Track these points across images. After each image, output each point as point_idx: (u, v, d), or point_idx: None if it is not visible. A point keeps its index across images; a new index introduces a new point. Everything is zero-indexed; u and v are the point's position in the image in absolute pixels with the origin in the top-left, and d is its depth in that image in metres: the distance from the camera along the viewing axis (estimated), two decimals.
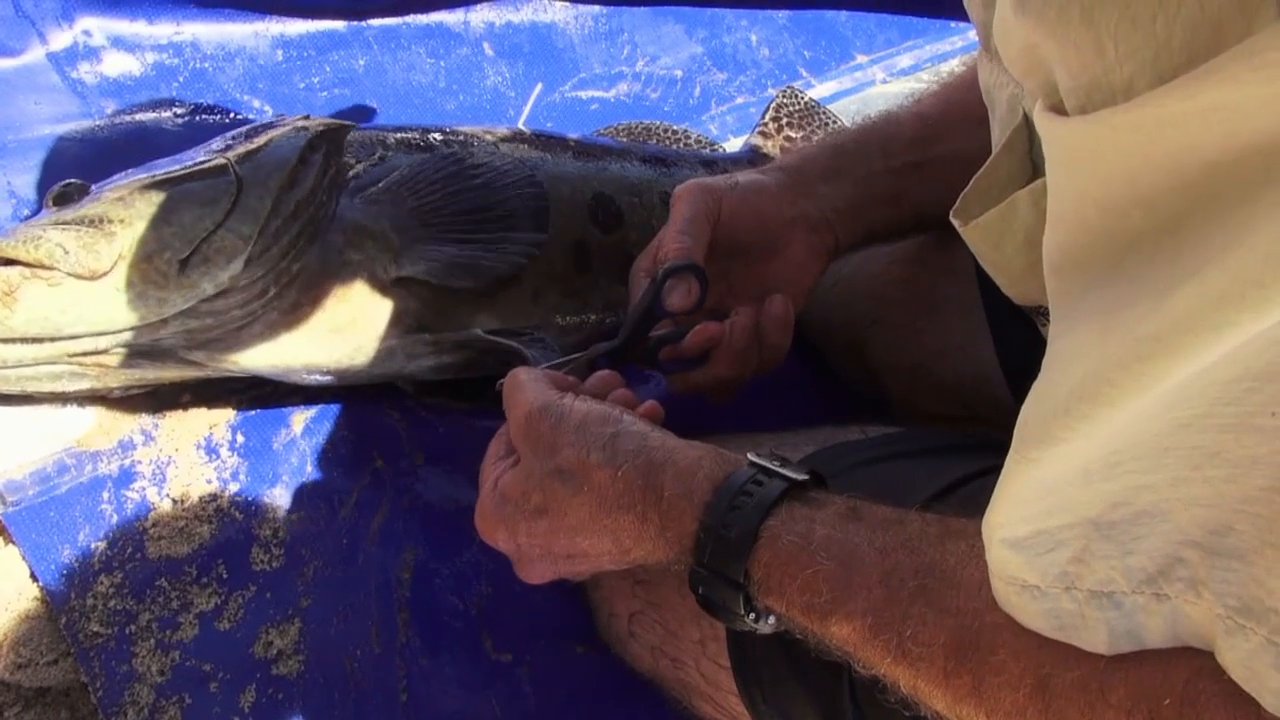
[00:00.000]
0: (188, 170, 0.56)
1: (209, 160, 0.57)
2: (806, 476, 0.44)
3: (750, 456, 0.45)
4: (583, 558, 0.49)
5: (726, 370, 0.59)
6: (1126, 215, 0.26)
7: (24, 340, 0.53)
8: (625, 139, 0.88)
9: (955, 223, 0.44)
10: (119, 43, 0.76)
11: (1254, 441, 0.25)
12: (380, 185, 0.62)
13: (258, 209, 0.55)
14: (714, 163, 0.83)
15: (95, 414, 0.60)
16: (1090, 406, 0.27)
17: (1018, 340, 0.60)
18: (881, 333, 0.74)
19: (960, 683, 0.34)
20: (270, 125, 0.62)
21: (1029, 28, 0.28)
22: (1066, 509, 0.30)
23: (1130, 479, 0.28)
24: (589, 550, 0.48)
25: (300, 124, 0.60)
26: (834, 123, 0.98)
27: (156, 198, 0.54)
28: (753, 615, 0.44)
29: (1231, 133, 0.23)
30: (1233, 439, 0.26)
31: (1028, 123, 0.41)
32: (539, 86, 0.88)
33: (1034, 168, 0.42)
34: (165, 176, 0.56)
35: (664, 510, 0.45)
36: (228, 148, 0.60)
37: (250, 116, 0.79)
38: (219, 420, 0.60)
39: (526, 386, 0.52)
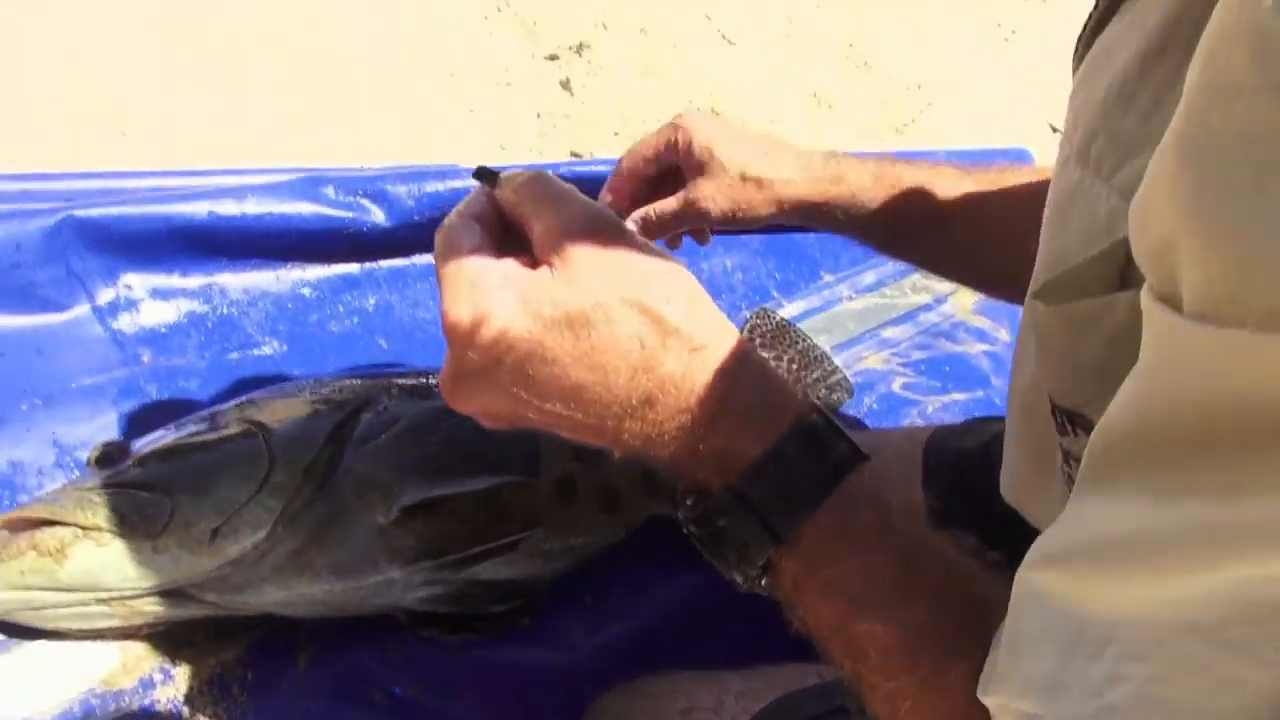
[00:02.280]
0: (222, 437, 0.64)
1: (244, 429, 0.65)
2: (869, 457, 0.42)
3: (816, 403, 0.43)
4: (564, 406, 0.42)
5: None
6: (1219, 420, 0.26)
7: (67, 589, 0.60)
8: None
9: (1038, 304, 0.41)
10: (156, 293, 0.86)
11: (1247, 666, 0.26)
12: (383, 438, 0.69)
13: (286, 486, 0.62)
14: None
15: (119, 651, 0.65)
16: (1124, 563, 0.28)
17: None
18: None
19: None
20: (298, 388, 0.71)
21: (1179, 219, 0.26)
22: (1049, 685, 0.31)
23: (1116, 662, 0.29)
24: (587, 399, 0.41)
25: (326, 395, 0.69)
26: (804, 340, 1.07)
27: (197, 468, 0.61)
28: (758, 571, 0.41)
29: None
30: (1230, 658, 0.26)
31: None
32: None
33: (1121, 279, 0.39)
34: (203, 443, 0.64)
35: (726, 413, 0.41)
36: (257, 414, 0.68)
37: (269, 353, 0.88)
38: (229, 657, 0.65)
39: (569, 191, 0.44)
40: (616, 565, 0.79)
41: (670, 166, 0.74)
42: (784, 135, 1.47)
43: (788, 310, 1.11)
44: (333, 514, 0.67)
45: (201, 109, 1.08)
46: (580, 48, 1.33)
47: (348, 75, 1.19)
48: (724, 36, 1.50)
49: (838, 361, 1.07)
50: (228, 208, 0.87)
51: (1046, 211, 0.43)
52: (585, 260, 0.41)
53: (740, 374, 0.42)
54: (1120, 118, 0.38)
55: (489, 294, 0.41)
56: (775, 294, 1.12)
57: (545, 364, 0.40)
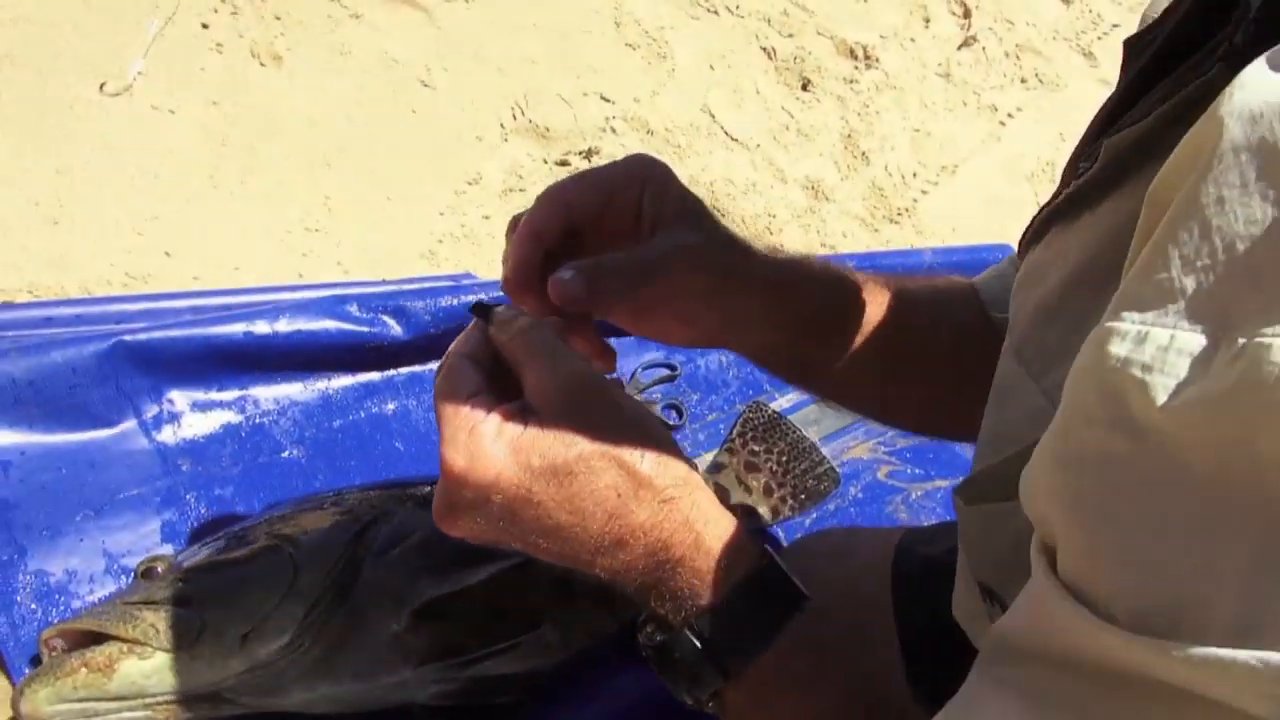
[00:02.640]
0: (251, 552, 0.72)
1: (270, 543, 0.73)
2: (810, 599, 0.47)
3: (772, 553, 0.48)
4: (545, 541, 0.47)
5: None
6: (1081, 663, 0.31)
7: (116, 699, 0.68)
8: None
9: (957, 500, 0.47)
10: (196, 407, 0.94)
11: None
12: (397, 550, 0.77)
13: (309, 594, 0.70)
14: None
15: None
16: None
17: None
18: None
19: None
20: (319, 501, 0.79)
21: (1051, 506, 0.31)
22: None
23: None
24: (565, 537, 0.46)
25: (346, 507, 0.77)
26: (794, 432, 1.14)
27: (228, 582, 0.69)
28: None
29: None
30: None
31: None
32: None
33: None
34: (234, 559, 0.72)
35: (688, 560, 0.46)
36: (284, 527, 0.76)
37: (297, 456, 0.96)
38: None
39: (560, 348, 0.49)
40: (612, 655, 0.86)
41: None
42: (783, 226, 1.55)
43: (780, 402, 1.18)
44: (352, 621, 0.74)
45: (238, 227, 1.17)
46: (589, 153, 1.43)
47: (371, 185, 1.29)
48: (726, 133, 1.59)
49: (826, 451, 1.13)
50: (260, 327, 0.96)
51: (991, 393, 0.49)
52: (571, 416, 0.46)
53: (703, 526, 0.48)
54: (1047, 330, 0.44)
55: (483, 443, 0.46)
56: (767, 387, 1.19)
57: (531, 506, 0.46)
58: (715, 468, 1.07)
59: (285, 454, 0.96)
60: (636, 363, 1.15)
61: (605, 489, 0.46)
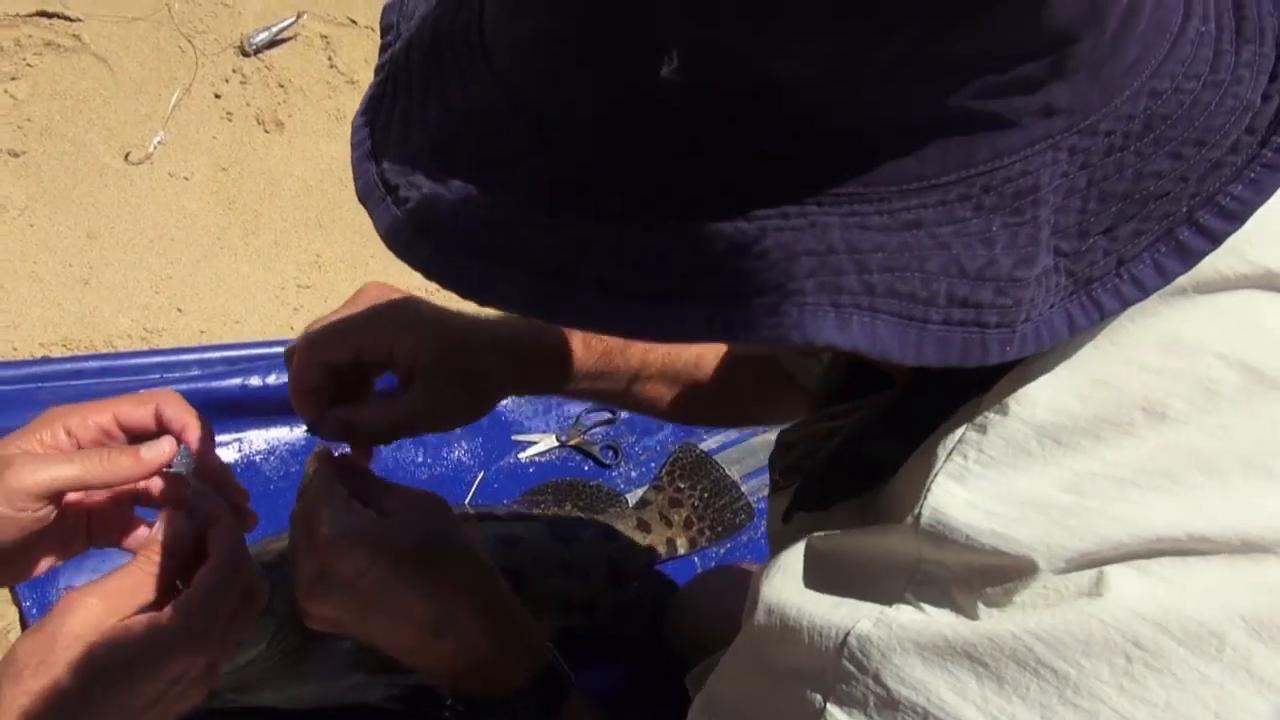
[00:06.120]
0: None
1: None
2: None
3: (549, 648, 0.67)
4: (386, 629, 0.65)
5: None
6: None
7: None
8: (550, 497, 1.22)
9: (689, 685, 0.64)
10: None
11: None
12: None
13: (279, 612, 0.88)
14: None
15: None
16: None
17: None
18: None
19: None
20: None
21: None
22: None
23: None
24: (390, 639, 0.65)
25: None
26: (717, 470, 1.31)
27: None
28: None
29: None
30: None
31: None
32: (480, 474, 1.23)
33: None
34: None
35: (491, 662, 0.64)
36: (259, 553, 0.94)
37: (283, 489, 1.14)
38: None
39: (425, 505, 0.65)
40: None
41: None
42: None
43: (709, 443, 1.35)
44: (313, 635, 0.93)
45: (241, 284, 1.36)
46: None
47: (359, 244, 1.46)
48: None
49: (745, 488, 1.31)
50: (254, 380, 1.14)
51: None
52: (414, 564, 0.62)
53: (498, 627, 0.65)
54: None
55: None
56: (700, 431, 1.36)
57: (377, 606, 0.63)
58: (642, 503, 1.24)
59: (273, 487, 1.15)
60: (580, 408, 1.32)
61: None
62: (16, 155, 1.36)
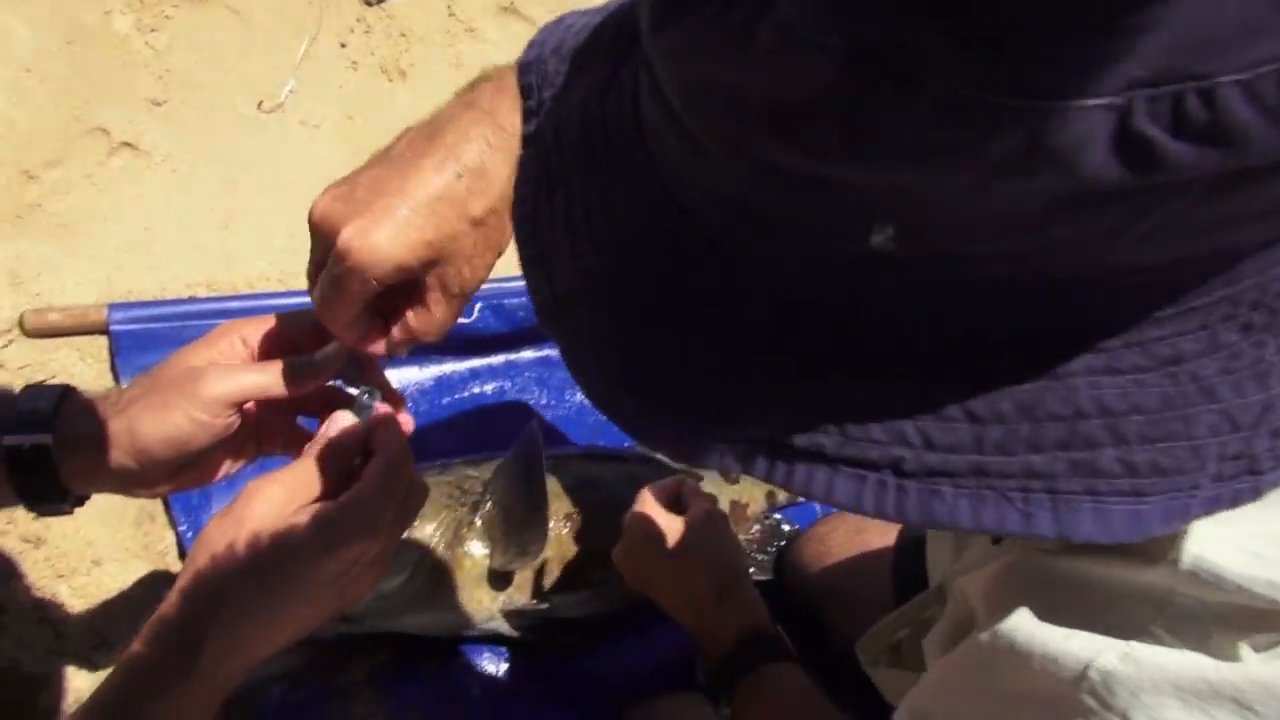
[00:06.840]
0: None
1: None
2: None
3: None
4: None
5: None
6: None
7: None
8: None
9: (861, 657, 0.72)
10: None
11: None
12: (480, 521, 0.98)
13: (424, 541, 0.92)
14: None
15: (306, 649, 0.97)
16: None
17: None
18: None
19: None
20: (428, 470, 1.01)
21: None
22: None
23: None
24: None
25: (453, 480, 0.99)
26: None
27: None
28: None
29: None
30: None
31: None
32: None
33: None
34: None
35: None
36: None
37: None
38: (380, 660, 0.96)
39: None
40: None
41: None
42: None
43: None
44: (448, 566, 0.96)
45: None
46: None
47: None
48: None
49: None
50: None
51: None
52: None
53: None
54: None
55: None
56: None
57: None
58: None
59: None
60: None
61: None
62: (159, 104, 1.42)
